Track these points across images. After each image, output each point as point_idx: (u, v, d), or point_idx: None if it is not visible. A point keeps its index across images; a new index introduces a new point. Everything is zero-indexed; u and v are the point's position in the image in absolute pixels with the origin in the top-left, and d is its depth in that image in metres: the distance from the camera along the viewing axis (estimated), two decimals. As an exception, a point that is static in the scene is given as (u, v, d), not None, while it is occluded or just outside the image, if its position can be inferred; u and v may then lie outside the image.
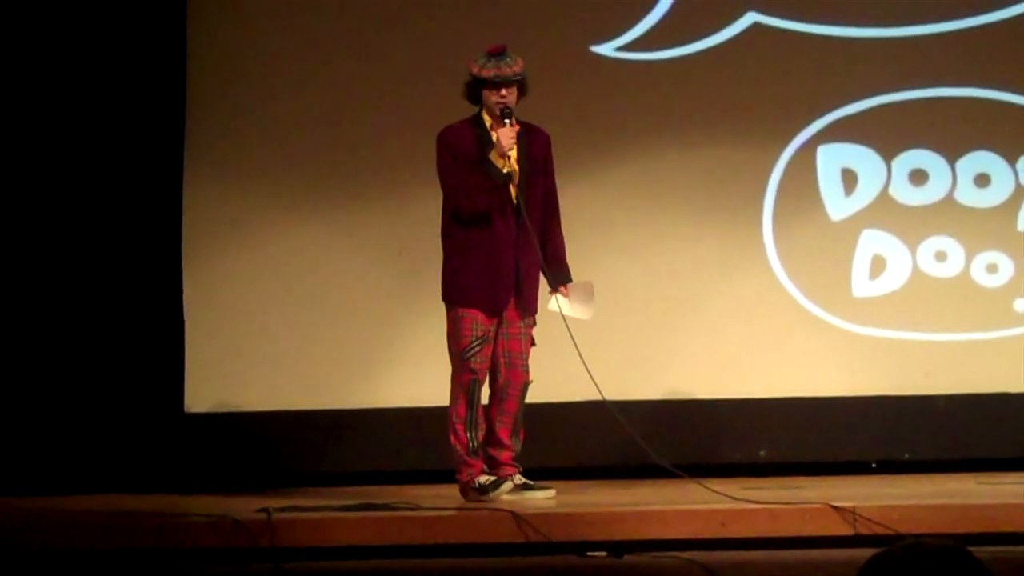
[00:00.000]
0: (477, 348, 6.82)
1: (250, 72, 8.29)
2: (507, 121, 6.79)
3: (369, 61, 8.26)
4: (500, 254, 6.83)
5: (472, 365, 6.83)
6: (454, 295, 6.89)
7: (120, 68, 8.10)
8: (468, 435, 6.86)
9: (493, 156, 6.80)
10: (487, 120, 6.88)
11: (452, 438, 6.87)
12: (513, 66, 6.82)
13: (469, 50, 7.05)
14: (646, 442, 6.88)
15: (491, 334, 6.86)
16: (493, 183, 6.79)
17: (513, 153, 6.83)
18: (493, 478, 6.86)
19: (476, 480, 6.84)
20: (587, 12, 8.24)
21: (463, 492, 6.89)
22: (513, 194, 6.83)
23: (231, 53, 8.30)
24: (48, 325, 8.08)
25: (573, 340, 6.66)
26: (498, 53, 6.84)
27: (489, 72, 6.80)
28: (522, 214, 6.82)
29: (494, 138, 6.83)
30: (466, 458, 6.87)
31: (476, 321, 6.83)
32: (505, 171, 6.81)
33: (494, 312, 6.86)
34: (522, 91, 6.87)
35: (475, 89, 6.86)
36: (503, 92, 6.80)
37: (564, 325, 6.83)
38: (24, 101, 8.09)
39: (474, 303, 6.84)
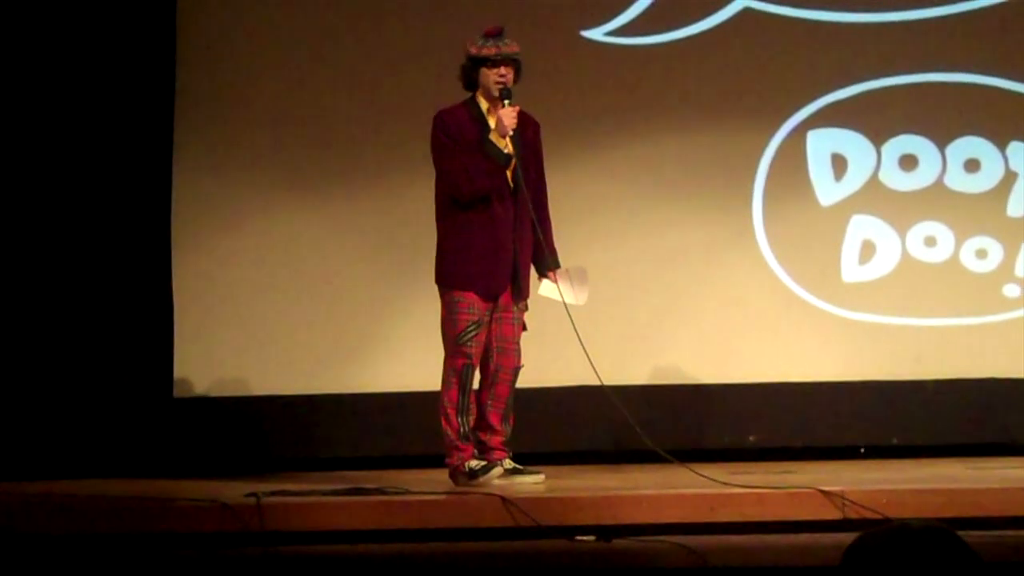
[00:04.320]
0: (473, 332, 6.80)
1: (239, 59, 8.27)
2: (507, 102, 6.78)
3: (357, 47, 8.25)
4: (499, 237, 6.81)
5: (467, 350, 6.81)
6: (451, 278, 6.86)
7: (109, 56, 8.07)
8: (459, 420, 6.86)
9: (494, 136, 6.79)
10: (482, 103, 6.87)
11: (443, 422, 6.87)
12: (512, 46, 6.82)
13: (458, 36, 7.04)
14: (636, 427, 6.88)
15: (486, 318, 6.84)
16: (494, 164, 6.77)
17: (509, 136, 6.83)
18: (483, 463, 6.86)
19: (466, 465, 6.84)
20: (577, -4, 8.25)
21: (453, 477, 6.89)
22: (510, 177, 6.83)
23: (220, 39, 8.28)
24: (37, 311, 8.06)
25: (573, 325, 6.64)
26: (496, 33, 6.83)
27: (490, 50, 6.79)
28: (520, 197, 6.81)
29: (491, 120, 6.82)
30: (457, 443, 6.87)
31: (473, 305, 6.81)
32: (506, 152, 6.80)
33: (491, 296, 6.84)
34: (517, 75, 6.86)
35: (473, 70, 6.84)
36: (502, 71, 6.79)
37: (554, 310, 6.83)
38: (14, 90, 8.06)
39: (471, 287, 6.81)
